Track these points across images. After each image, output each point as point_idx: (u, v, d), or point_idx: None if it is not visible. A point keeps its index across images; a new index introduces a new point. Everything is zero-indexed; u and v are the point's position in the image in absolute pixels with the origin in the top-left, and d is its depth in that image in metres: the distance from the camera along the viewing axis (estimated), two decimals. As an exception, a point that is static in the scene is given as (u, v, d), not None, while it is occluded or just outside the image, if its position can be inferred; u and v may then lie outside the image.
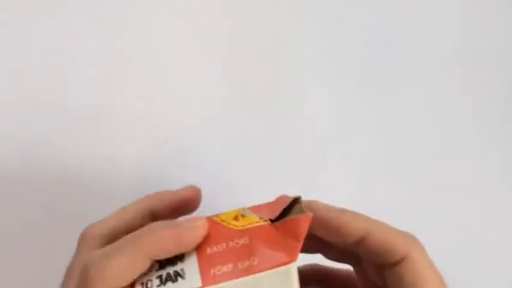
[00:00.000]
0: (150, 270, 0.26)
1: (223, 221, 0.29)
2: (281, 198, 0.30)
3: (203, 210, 0.32)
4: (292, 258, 0.25)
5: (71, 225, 0.38)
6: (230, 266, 0.26)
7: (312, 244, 0.31)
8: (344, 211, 0.28)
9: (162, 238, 0.25)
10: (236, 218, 0.29)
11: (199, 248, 0.27)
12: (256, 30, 0.45)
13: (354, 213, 0.28)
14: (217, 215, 0.29)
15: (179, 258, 0.27)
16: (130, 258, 0.25)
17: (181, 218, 0.30)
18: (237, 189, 0.45)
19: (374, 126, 0.49)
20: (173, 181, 0.42)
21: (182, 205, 0.32)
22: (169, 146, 0.44)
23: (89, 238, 0.29)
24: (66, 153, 0.42)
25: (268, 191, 0.32)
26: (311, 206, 0.28)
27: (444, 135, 0.50)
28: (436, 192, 0.50)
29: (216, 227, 0.28)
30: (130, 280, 0.25)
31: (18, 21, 0.41)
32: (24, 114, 0.41)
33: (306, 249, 0.29)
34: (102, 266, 0.24)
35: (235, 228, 0.28)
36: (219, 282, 0.25)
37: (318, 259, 0.33)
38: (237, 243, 0.27)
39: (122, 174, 0.43)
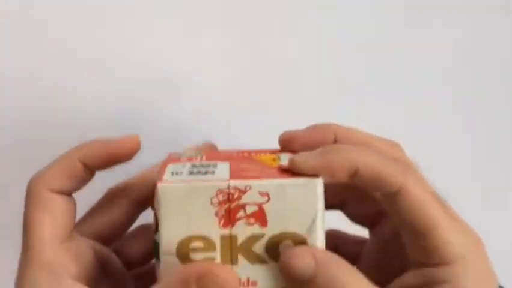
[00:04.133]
0: (183, 166, 0.28)
1: (261, 158, 0.30)
2: None
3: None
4: (317, 177, 0.26)
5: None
6: (258, 171, 0.27)
7: (332, 201, 0.32)
8: (323, 153, 0.27)
9: (93, 146, 0.29)
10: (274, 160, 0.30)
11: (233, 163, 0.29)
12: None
13: (338, 150, 0.27)
14: (255, 153, 0.31)
15: (213, 165, 0.28)
16: (65, 164, 0.29)
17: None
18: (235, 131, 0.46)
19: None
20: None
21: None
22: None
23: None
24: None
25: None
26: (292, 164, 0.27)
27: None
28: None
29: (251, 160, 0.30)
30: (69, 183, 0.29)
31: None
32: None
33: (325, 207, 0.30)
34: (42, 173, 0.29)
35: (272, 164, 0.29)
36: (246, 179, 0.26)
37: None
38: (270, 168, 0.28)
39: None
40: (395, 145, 0.30)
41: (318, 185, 0.26)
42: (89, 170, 0.30)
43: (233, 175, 0.27)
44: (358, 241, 0.34)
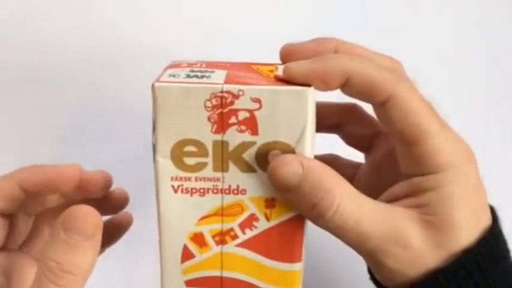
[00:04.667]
0: (182, 70, 0.28)
1: (258, 69, 0.30)
2: None
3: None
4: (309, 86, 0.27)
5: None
6: (253, 78, 0.27)
7: (329, 124, 0.32)
8: (318, 60, 0.27)
9: (31, 172, 0.29)
10: (271, 71, 0.29)
11: (230, 71, 0.29)
12: None
13: (331, 58, 0.27)
14: (255, 64, 0.31)
15: (210, 71, 0.28)
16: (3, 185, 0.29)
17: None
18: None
19: None
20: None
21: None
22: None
23: None
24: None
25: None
26: (287, 70, 0.27)
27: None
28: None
29: (249, 69, 0.30)
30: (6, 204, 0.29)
31: None
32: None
33: (322, 128, 0.30)
34: None
35: (269, 75, 0.29)
36: (239, 84, 0.26)
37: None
38: (266, 77, 0.28)
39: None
40: (394, 61, 0.29)
41: (309, 93, 0.26)
42: (28, 194, 0.30)
43: (228, 80, 0.27)
44: (354, 165, 0.34)
